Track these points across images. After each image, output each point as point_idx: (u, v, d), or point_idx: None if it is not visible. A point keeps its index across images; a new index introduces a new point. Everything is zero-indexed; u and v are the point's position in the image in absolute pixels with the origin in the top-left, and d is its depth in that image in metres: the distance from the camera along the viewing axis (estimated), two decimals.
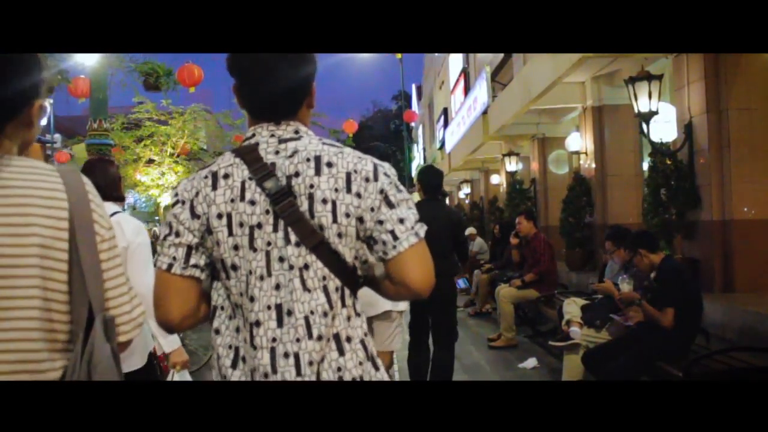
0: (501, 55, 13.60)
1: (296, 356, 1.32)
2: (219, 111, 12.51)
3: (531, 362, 5.86)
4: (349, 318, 1.38)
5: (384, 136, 46.61)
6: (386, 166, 1.42)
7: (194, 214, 1.37)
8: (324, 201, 1.33)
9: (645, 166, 8.07)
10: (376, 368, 1.43)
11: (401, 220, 1.35)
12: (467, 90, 16.71)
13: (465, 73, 18.43)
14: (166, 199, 10.78)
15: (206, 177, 1.39)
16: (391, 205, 1.36)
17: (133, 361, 2.55)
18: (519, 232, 7.40)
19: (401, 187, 1.41)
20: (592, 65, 7.90)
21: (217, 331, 1.40)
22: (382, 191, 1.36)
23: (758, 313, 4.98)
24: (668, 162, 6.38)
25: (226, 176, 1.37)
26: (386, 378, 1.49)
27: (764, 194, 6.00)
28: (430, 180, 4.62)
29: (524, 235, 7.36)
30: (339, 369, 1.36)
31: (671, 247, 6.42)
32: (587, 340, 4.62)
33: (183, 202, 1.39)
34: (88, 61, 6.16)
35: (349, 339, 1.37)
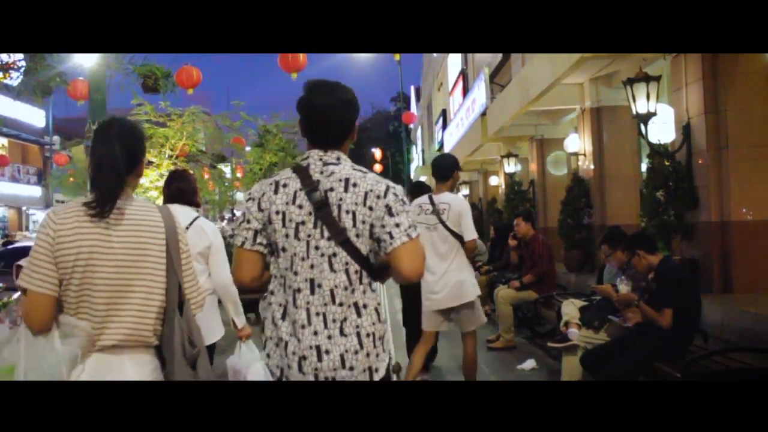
0: (499, 57, 13.61)
1: (324, 315, 1.90)
2: (218, 113, 12.51)
3: (529, 363, 5.86)
4: (365, 292, 1.94)
5: (383, 137, 46.60)
6: (397, 188, 1.96)
7: (260, 209, 1.96)
8: (347, 211, 1.89)
9: (643, 167, 8.09)
10: (385, 329, 2.00)
11: (397, 225, 1.87)
12: (466, 91, 16.72)
13: (463, 74, 18.44)
14: None
15: (271, 184, 1.98)
16: (391, 215, 1.88)
17: (213, 336, 3.35)
18: (517, 234, 7.39)
19: (405, 202, 1.94)
20: (591, 67, 7.90)
21: (272, 293, 1.99)
22: (387, 205, 1.89)
23: (756, 314, 4.98)
24: (666, 163, 6.38)
25: (284, 185, 1.95)
26: (390, 337, 1.88)
27: (762, 195, 6.00)
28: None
29: (522, 237, 7.36)
30: (357, 327, 1.92)
31: (670, 248, 6.42)
32: (586, 341, 4.62)
33: (254, 199, 1.98)
34: (86, 63, 6.16)
35: (365, 306, 1.94)
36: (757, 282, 5.89)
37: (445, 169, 4.58)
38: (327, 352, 1.88)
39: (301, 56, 7.95)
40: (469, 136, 14.58)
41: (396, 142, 36.41)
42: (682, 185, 6.27)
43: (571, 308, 5.00)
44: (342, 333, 1.89)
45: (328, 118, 1.99)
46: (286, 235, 1.92)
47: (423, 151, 36.04)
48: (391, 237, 1.86)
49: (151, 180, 10.56)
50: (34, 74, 5.07)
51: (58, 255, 1.92)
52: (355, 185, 1.90)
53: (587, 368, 4.38)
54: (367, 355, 1.91)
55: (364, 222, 1.89)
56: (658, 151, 6.45)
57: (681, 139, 6.41)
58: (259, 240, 1.97)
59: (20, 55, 4.94)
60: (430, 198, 4.51)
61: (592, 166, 9.10)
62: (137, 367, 1.93)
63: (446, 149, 19.70)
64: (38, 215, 29.29)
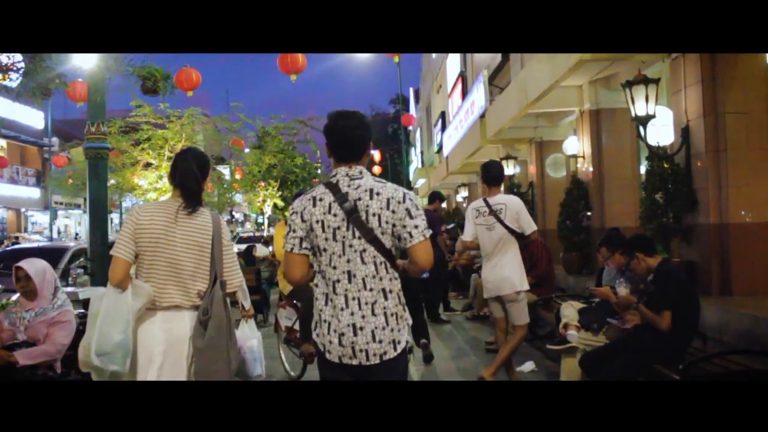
0: (498, 59, 13.62)
1: (358, 299, 2.39)
2: (216, 114, 12.50)
3: (528, 365, 5.84)
4: (390, 280, 2.43)
5: (382, 139, 46.59)
6: (411, 194, 2.46)
7: (303, 220, 2.45)
8: (374, 214, 2.38)
9: (642, 169, 8.09)
10: (404, 310, 2.48)
11: (416, 226, 2.39)
12: (465, 93, 16.73)
13: (462, 76, 18.45)
14: None
15: (309, 199, 2.46)
16: (411, 217, 2.39)
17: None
18: None
19: (419, 207, 2.42)
20: (590, 69, 7.91)
21: (317, 285, 2.50)
22: (407, 209, 2.39)
23: (755, 316, 4.99)
24: (665, 165, 6.39)
25: (320, 199, 2.43)
26: (409, 319, 2.48)
27: (761, 197, 6.01)
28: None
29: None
30: (384, 308, 2.40)
31: (668, 250, 6.42)
32: (584, 343, 4.62)
33: (297, 213, 2.47)
34: (85, 65, 6.15)
35: (390, 291, 2.43)
36: (755, 284, 5.89)
37: (497, 174, 5.20)
38: (361, 328, 2.36)
39: (300, 58, 7.95)
40: (468, 138, 14.59)
41: (395, 143, 36.43)
42: (680, 187, 6.27)
43: (570, 310, 4.99)
44: (373, 313, 2.39)
45: (351, 136, 2.47)
46: (326, 238, 2.41)
47: (422, 153, 36.06)
48: (411, 236, 2.38)
49: (150, 182, 10.56)
50: (34, 76, 5.06)
51: (137, 236, 2.79)
52: (378, 194, 2.40)
53: (586, 370, 4.37)
54: (392, 330, 2.40)
55: (387, 222, 2.38)
56: (657, 154, 6.46)
57: (680, 142, 6.41)
58: (304, 245, 2.47)
59: (19, 57, 4.93)
60: (485, 201, 5.00)
61: (591, 169, 9.11)
62: (187, 321, 2.81)
63: (445, 151, 19.71)
64: (37, 217, 29.28)
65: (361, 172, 2.47)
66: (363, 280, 2.39)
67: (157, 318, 2.80)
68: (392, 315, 2.41)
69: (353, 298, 2.39)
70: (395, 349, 2.40)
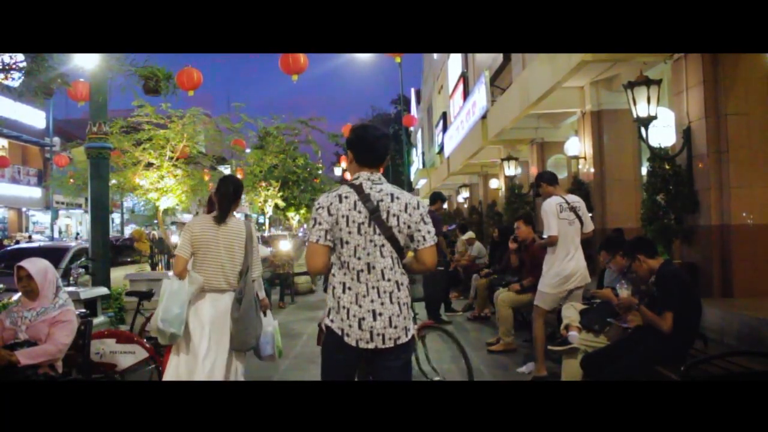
0: (500, 60, 13.62)
1: (378, 288, 2.67)
2: (218, 115, 12.49)
3: (529, 366, 5.84)
4: (402, 273, 2.74)
5: None
6: (424, 202, 2.87)
7: (330, 214, 2.68)
8: (393, 215, 2.68)
9: (644, 170, 8.09)
10: (408, 298, 2.76)
11: (429, 231, 2.73)
12: (466, 94, 16.72)
13: (464, 77, 18.44)
14: (165, 203, 10.74)
15: (336, 196, 2.70)
16: (425, 223, 2.73)
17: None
18: (518, 237, 7.38)
19: (428, 215, 2.76)
20: (591, 70, 7.91)
21: (334, 275, 2.73)
22: (421, 215, 2.72)
23: (756, 318, 4.98)
24: (667, 167, 6.38)
25: (346, 197, 2.69)
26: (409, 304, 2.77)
27: (762, 199, 6.00)
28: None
29: (523, 240, 7.34)
30: (398, 298, 2.69)
31: (670, 251, 6.42)
32: (586, 345, 4.61)
33: (323, 207, 2.69)
34: (87, 65, 6.16)
35: (402, 283, 2.73)
36: (757, 286, 5.89)
37: (553, 175, 5.69)
38: (380, 314, 2.64)
39: (302, 58, 7.95)
40: (469, 139, 14.58)
41: (396, 144, 36.41)
42: (682, 189, 6.27)
43: (571, 311, 4.99)
44: (390, 301, 2.67)
45: (380, 145, 2.78)
46: (350, 232, 2.66)
47: (423, 153, 36.04)
48: (425, 239, 2.72)
49: (151, 182, 10.56)
50: (36, 75, 5.06)
51: (192, 241, 3.91)
52: (398, 198, 2.71)
53: (587, 371, 4.37)
54: (405, 318, 2.69)
55: (404, 223, 2.69)
56: (658, 155, 6.46)
57: (681, 143, 6.41)
58: (328, 237, 2.69)
59: (21, 56, 4.93)
60: (564, 198, 5.42)
61: (592, 170, 9.11)
62: (227, 300, 3.89)
63: (447, 152, 19.70)
64: (38, 216, 29.28)
65: (380, 178, 2.77)
66: (382, 271, 2.67)
67: (207, 297, 3.91)
68: (404, 304, 2.70)
69: (373, 287, 2.66)
70: (406, 335, 2.69)
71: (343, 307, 2.67)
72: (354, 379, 2.84)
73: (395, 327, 2.65)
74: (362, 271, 2.67)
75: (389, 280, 2.68)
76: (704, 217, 6.14)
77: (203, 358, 3.78)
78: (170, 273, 4.18)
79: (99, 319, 5.57)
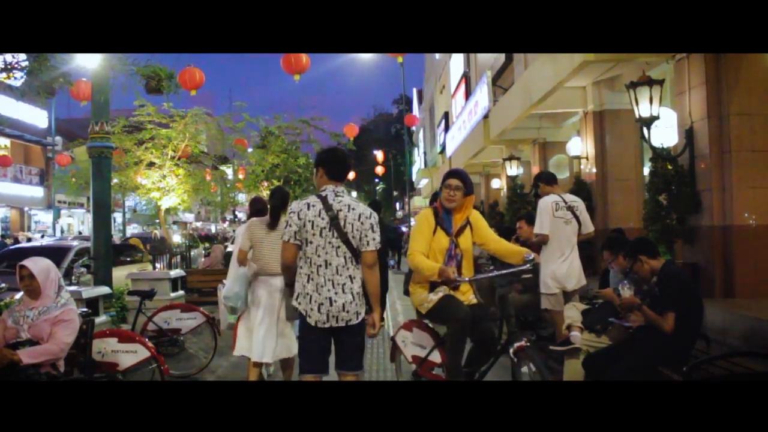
0: (502, 60, 13.61)
1: (332, 281, 3.37)
2: (220, 114, 12.49)
3: (531, 367, 5.83)
4: (355, 269, 3.43)
5: (384, 140, 46.59)
6: (375, 214, 3.49)
7: (299, 218, 3.37)
8: (349, 223, 3.37)
9: (646, 170, 8.07)
10: (363, 291, 3.47)
11: (373, 239, 3.41)
12: (468, 94, 16.71)
13: (466, 77, 18.43)
14: (167, 202, 10.75)
15: (305, 204, 3.39)
16: (373, 231, 3.41)
17: None
18: (519, 237, 7.37)
19: (378, 226, 3.46)
20: (593, 70, 7.91)
21: (301, 267, 3.43)
22: (371, 224, 3.41)
23: (759, 319, 4.97)
24: (669, 167, 6.37)
25: (313, 205, 3.38)
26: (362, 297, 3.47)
27: (765, 199, 5.99)
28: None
29: (525, 240, 7.34)
30: (351, 288, 3.39)
31: (672, 252, 6.41)
32: (588, 345, 4.61)
33: (294, 213, 3.38)
34: (89, 64, 6.16)
35: (355, 277, 3.41)
36: (759, 286, 5.87)
37: (552, 175, 5.80)
38: (335, 301, 3.34)
39: (304, 58, 7.95)
40: (471, 139, 14.58)
41: (398, 144, 36.43)
42: (684, 189, 6.25)
43: (573, 312, 4.98)
44: (343, 291, 3.38)
45: (346, 164, 3.55)
46: (314, 234, 3.36)
47: (425, 153, 36.03)
48: (368, 244, 3.39)
49: (153, 181, 10.57)
50: (38, 75, 5.06)
51: (251, 239, 4.86)
52: (354, 209, 3.40)
53: (589, 372, 4.36)
54: (356, 305, 3.40)
55: (357, 230, 3.38)
56: (660, 155, 6.45)
57: (684, 143, 6.40)
58: (297, 237, 3.39)
59: (23, 56, 4.94)
60: (561, 197, 5.38)
61: (594, 170, 9.10)
62: (279, 282, 4.58)
63: (448, 152, 19.70)
64: (40, 216, 29.32)
65: (343, 191, 3.48)
66: (336, 267, 3.38)
67: (263, 280, 4.86)
68: (357, 293, 3.41)
69: (329, 280, 3.36)
70: (357, 318, 3.40)
71: (307, 294, 3.38)
72: (329, 350, 3.44)
73: (347, 311, 3.35)
74: (321, 266, 3.36)
75: (341, 275, 3.37)
76: (706, 217, 6.13)
77: (258, 324, 4.79)
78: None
79: (101, 319, 5.58)
